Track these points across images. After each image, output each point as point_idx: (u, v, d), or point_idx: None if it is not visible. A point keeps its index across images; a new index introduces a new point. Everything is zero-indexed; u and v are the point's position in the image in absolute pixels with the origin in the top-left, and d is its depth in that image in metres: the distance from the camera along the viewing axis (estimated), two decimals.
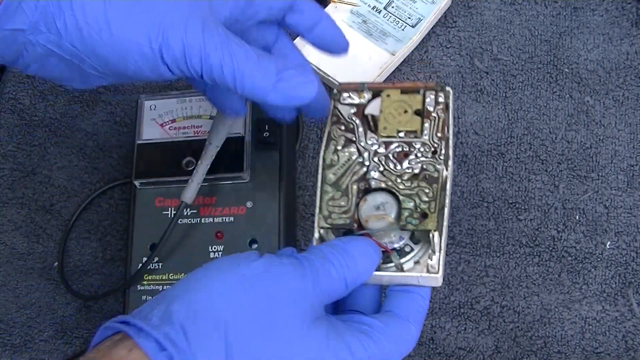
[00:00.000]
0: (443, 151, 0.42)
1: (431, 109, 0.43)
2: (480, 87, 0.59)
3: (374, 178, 0.42)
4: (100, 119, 0.63)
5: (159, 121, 0.56)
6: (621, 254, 0.54)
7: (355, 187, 0.42)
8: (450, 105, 0.43)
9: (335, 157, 0.43)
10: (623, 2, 0.59)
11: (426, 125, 0.43)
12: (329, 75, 0.59)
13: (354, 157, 0.43)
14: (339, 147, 0.43)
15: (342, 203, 0.42)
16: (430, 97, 0.43)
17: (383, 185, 0.42)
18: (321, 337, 0.35)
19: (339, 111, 0.44)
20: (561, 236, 0.55)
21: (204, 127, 0.55)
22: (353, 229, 0.41)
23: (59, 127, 0.64)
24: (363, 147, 0.43)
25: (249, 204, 0.54)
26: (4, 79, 0.66)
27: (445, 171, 0.42)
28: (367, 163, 0.43)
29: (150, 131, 0.56)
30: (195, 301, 0.34)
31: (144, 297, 0.53)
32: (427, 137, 0.42)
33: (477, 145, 0.58)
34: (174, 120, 0.56)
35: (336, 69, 0.60)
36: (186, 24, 0.38)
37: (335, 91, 0.45)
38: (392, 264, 0.41)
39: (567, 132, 0.57)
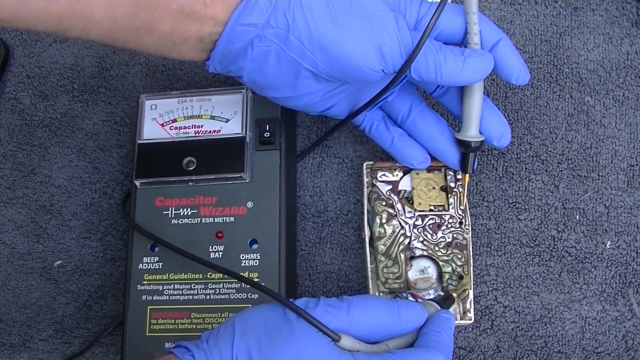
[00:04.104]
0: (467, 221, 0.51)
1: (453, 185, 0.52)
2: None
3: (416, 247, 0.51)
4: (100, 119, 0.63)
5: (160, 121, 0.56)
6: (621, 254, 0.54)
7: (402, 255, 0.51)
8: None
9: (382, 230, 0.51)
10: (623, 2, 0.59)
11: (451, 200, 0.52)
12: None
13: (397, 230, 0.51)
14: (384, 221, 0.51)
15: (395, 270, 0.50)
16: (450, 175, 0.52)
17: (425, 253, 0.51)
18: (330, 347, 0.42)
19: (378, 188, 0.52)
20: (561, 236, 0.55)
21: (205, 127, 0.55)
22: (405, 292, 0.51)
23: (59, 127, 0.64)
24: (404, 220, 0.51)
25: (249, 204, 0.54)
26: (4, 79, 0.66)
27: (470, 238, 0.51)
28: (408, 234, 0.51)
29: (151, 131, 0.56)
30: (220, 326, 0.43)
31: (144, 297, 0.53)
32: (453, 211, 0.52)
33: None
34: (174, 120, 0.56)
35: None
36: (397, 25, 0.44)
37: (369, 169, 0.53)
38: None
39: (567, 132, 0.57)
